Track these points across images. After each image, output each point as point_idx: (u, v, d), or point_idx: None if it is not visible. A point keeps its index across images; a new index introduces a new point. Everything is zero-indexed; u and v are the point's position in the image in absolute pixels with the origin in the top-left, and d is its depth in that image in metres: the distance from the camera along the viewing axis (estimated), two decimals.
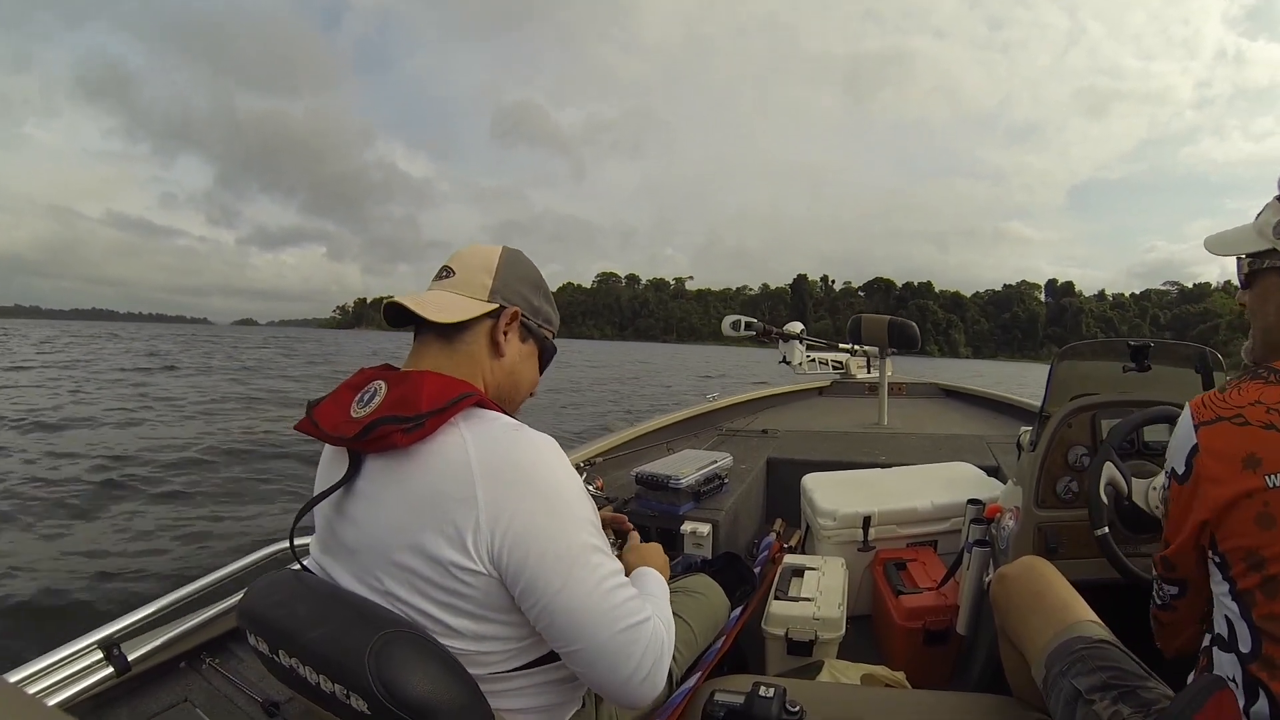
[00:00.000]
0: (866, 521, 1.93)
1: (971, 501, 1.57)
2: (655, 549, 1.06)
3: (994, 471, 2.31)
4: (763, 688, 0.94)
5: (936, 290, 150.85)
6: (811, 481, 2.20)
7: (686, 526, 1.90)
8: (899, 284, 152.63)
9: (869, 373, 5.21)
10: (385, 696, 0.63)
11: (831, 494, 2.06)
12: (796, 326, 4.15)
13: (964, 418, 4.27)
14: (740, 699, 0.93)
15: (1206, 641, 0.76)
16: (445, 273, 0.85)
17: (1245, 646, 0.68)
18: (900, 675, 1.35)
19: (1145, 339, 1.39)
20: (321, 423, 0.76)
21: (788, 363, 4.17)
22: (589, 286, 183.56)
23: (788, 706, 0.92)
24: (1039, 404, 1.47)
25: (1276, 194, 0.80)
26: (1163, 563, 0.81)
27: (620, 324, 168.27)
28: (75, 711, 0.97)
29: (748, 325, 3.77)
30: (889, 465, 2.43)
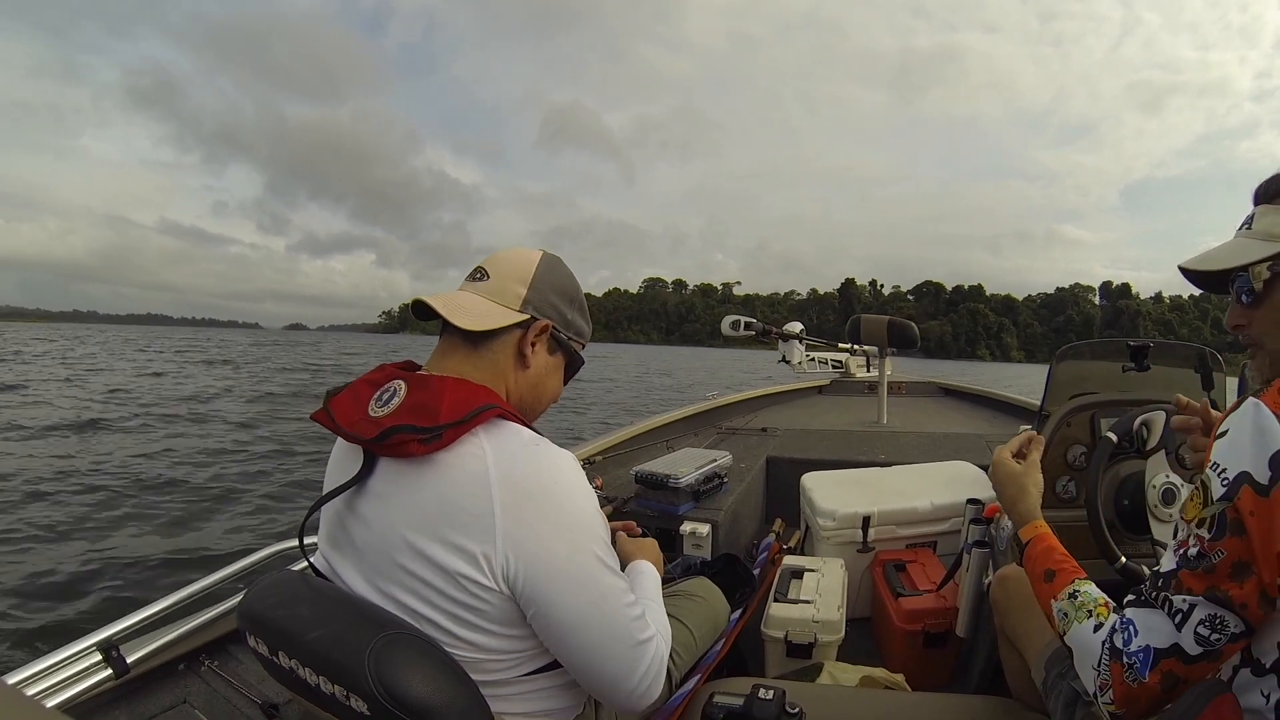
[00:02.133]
0: (866, 522, 1.93)
1: (971, 501, 1.57)
2: (650, 544, 1.07)
3: None
4: (762, 690, 0.94)
5: (988, 293, 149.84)
6: (811, 481, 2.20)
7: (686, 527, 1.90)
8: (949, 287, 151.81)
9: (868, 372, 5.22)
10: (385, 697, 0.63)
11: (831, 493, 2.06)
12: (796, 326, 4.16)
13: (963, 416, 4.27)
14: (739, 701, 0.93)
15: (1236, 660, 0.67)
16: (479, 274, 0.83)
17: None
18: (900, 678, 1.35)
19: (1144, 339, 1.39)
20: (338, 417, 0.75)
21: (787, 362, 4.18)
22: (635, 292, 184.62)
23: (787, 709, 0.92)
24: (1038, 403, 1.47)
25: (1261, 203, 0.75)
26: (1263, 599, 0.60)
27: (667, 329, 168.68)
28: (74, 713, 0.97)
29: (747, 325, 3.78)
30: (888, 464, 2.43)
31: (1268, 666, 0.63)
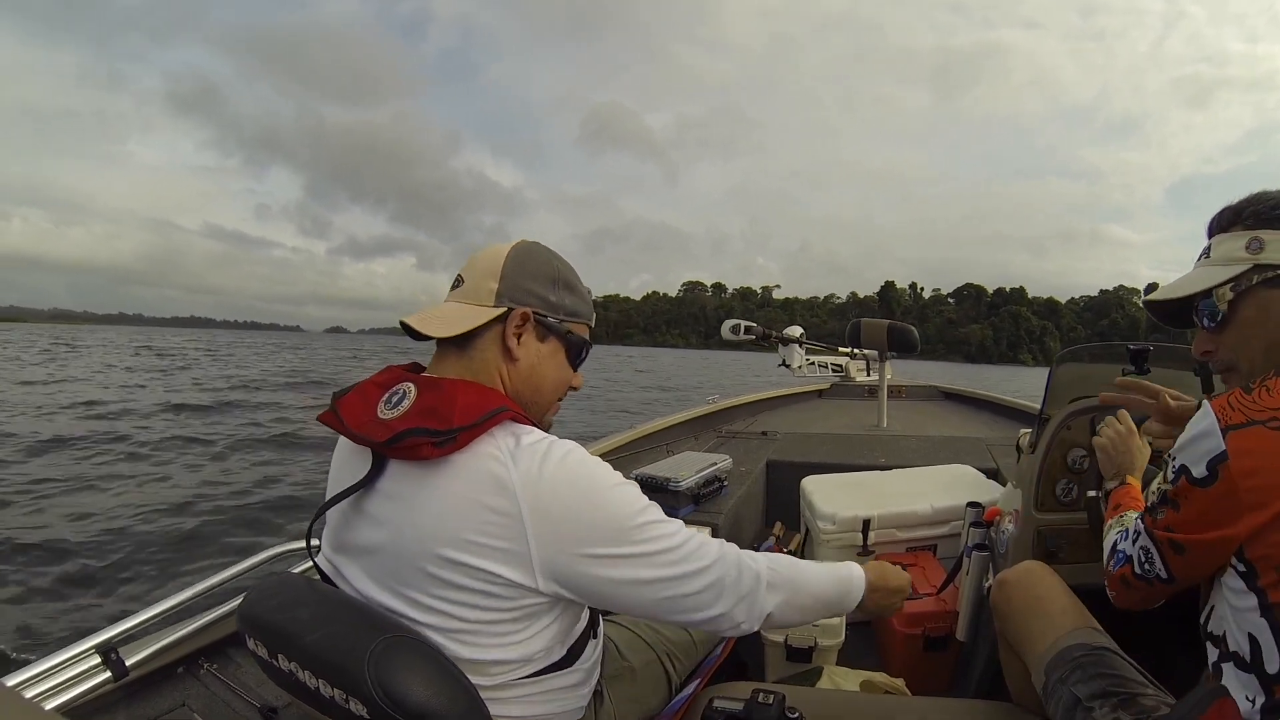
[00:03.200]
0: (866, 525, 1.93)
1: (971, 504, 1.56)
2: (893, 571, 1.13)
3: (993, 474, 2.31)
4: (762, 694, 0.94)
5: (1030, 296, 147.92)
6: (811, 484, 2.20)
7: None
8: (990, 290, 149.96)
9: (868, 376, 5.22)
10: (384, 701, 0.62)
11: (831, 497, 2.05)
12: (796, 330, 4.16)
13: (963, 420, 4.27)
14: (739, 705, 0.93)
15: (1215, 657, 0.72)
16: (457, 283, 0.83)
17: (1273, 666, 0.63)
18: (899, 682, 1.35)
19: (1145, 342, 1.39)
20: (346, 418, 0.75)
21: (786, 365, 4.18)
22: (675, 295, 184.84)
23: (787, 713, 0.92)
24: (1038, 406, 1.47)
25: (1217, 234, 0.79)
26: (1170, 545, 0.75)
27: (705, 333, 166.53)
28: (73, 715, 0.96)
29: (747, 329, 3.78)
30: (889, 467, 2.43)
31: (1249, 661, 0.66)
